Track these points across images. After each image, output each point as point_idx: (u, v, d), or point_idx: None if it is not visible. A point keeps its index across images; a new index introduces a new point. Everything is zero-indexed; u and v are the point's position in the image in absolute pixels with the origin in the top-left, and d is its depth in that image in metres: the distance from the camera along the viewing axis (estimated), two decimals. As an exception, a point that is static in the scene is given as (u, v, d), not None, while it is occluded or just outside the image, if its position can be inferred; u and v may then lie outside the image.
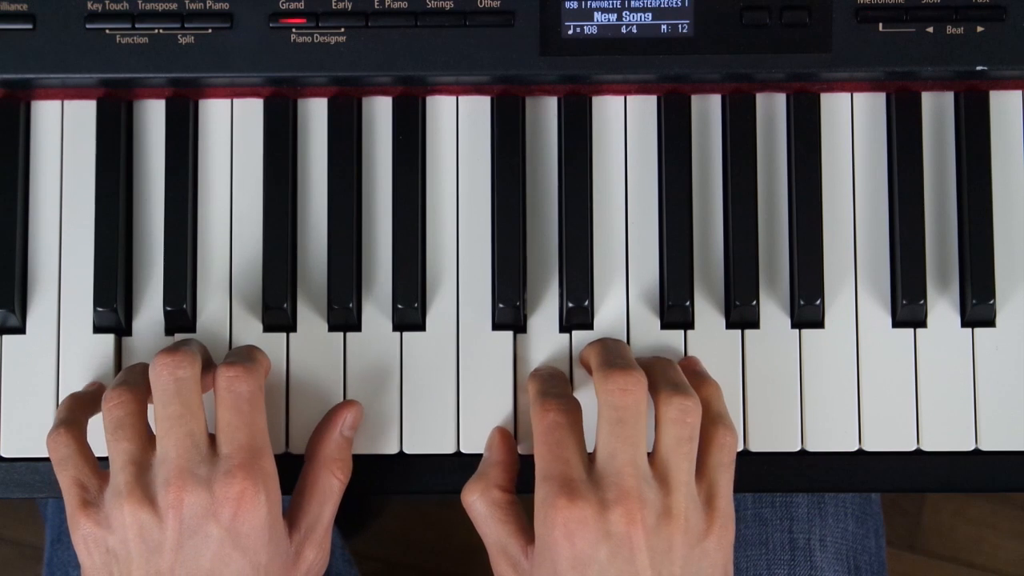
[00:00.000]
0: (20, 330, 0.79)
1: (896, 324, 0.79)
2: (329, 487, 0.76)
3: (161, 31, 0.77)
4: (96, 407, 0.76)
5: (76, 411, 0.76)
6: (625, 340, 0.79)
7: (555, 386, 0.76)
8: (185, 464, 0.71)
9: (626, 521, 0.69)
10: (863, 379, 0.79)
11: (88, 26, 0.77)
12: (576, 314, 0.79)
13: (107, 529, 0.72)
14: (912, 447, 0.79)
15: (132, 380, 0.74)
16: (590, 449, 0.73)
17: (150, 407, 0.74)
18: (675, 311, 0.79)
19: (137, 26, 0.77)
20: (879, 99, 0.81)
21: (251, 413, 0.73)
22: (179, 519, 0.70)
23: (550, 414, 0.73)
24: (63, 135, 0.80)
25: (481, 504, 0.75)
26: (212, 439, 0.73)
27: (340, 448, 0.77)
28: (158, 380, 0.72)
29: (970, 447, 0.79)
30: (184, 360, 0.72)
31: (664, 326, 0.80)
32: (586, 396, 0.77)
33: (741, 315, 0.79)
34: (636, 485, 0.70)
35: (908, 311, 0.79)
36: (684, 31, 0.78)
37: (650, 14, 0.78)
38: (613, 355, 0.74)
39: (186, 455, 0.71)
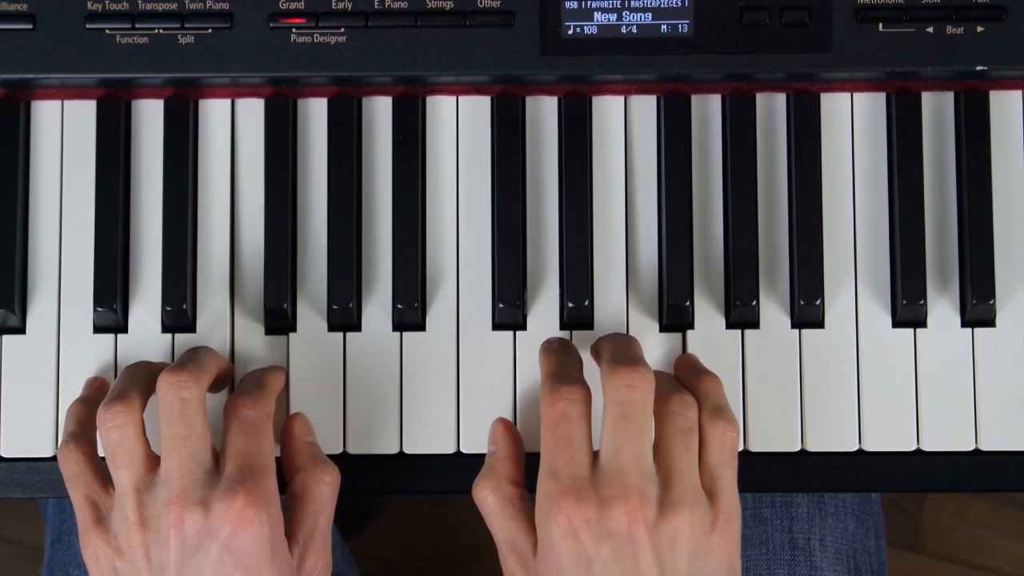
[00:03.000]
0: (20, 330, 0.79)
1: (896, 324, 0.79)
2: (320, 495, 0.76)
3: (161, 31, 0.77)
4: None
5: (85, 422, 0.76)
6: (625, 340, 0.79)
7: (568, 367, 0.74)
8: (187, 484, 0.71)
9: (628, 519, 0.69)
10: (863, 379, 0.79)
11: (88, 26, 0.77)
12: (576, 314, 0.79)
13: (116, 551, 0.72)
14: (912, 447, 0.79)
15: (126, 390, 0.74)
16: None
17: (149, 415, 0.74)
18: (675, 311, 0.79)
19: (137, 26, 0.77)
20: (879, 99, 0.81)
21: (256, 437, 0.73)
22: (181, 539, 0.70)
23: (560, 404, 0.72)
24: (63, 135, 0.80)
25: (493, 500, 0.74)
26: (217, 456, 0.73)
27: (313, 455, 0.77)
28: (164, 398, 0.72)
29: (970, 447, 0.79)
30: (190, 380, 0.72)
31: (664, 326, 0.80)
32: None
33: (741, 315, 0.79)
34: (639, 482, 0.70)
35: (908, 311, 0.79)
36: (684, 31, 0.78)
37: (650, 14, 0.78)
38: (622, 351, 0.74)
39: (189, 475, 0.71)
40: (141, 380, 0.75)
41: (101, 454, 0.75)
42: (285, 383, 0.79)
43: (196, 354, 0.76)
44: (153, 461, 0.73)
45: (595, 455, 0.72)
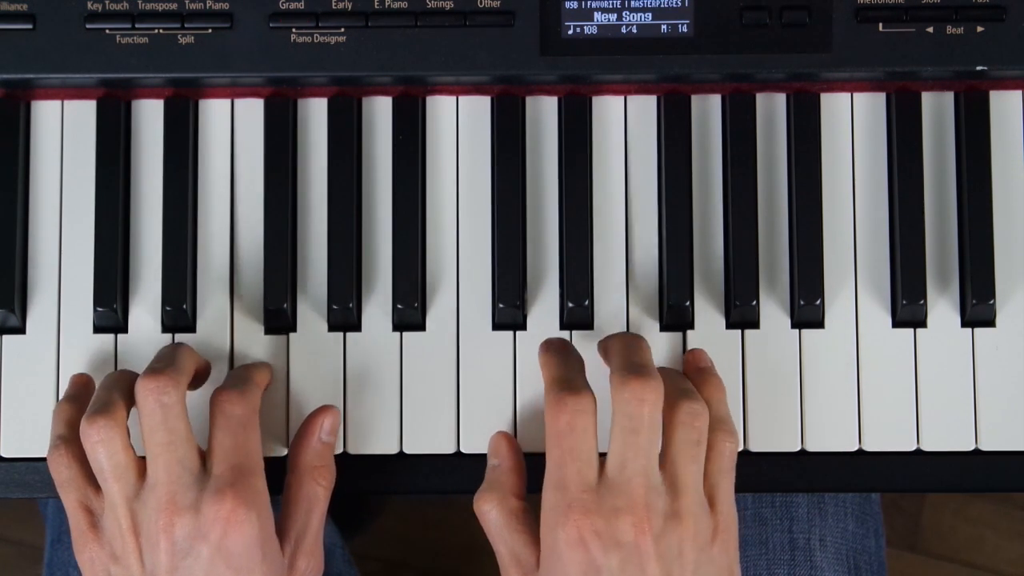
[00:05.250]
0: (20, 330, 0.79)
1: (896, 324, 0.79)
2: (313, 495, 0.76)
3: (161, 31, 0.77)
4: None
5: (73, 424, 0.75)
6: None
7: (571, 373, 0.74)
8: (175, 489, 0.71)
9: (635, 531, 0.69)
10: (863, 379, 0.79)
11: (88, 26, 0.77)
12: (576, 314, 0.79)
13: (111, 556, 0.73)
14: (912, 447, 0.79)
15: (108, 401, 0.73)
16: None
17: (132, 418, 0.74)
18: (675, 311, 0.79)
19: (137, 26, 0.77)
20: (879, 99, 0.81)
21: (244, 434, 0.73)
22: (171, 542, 0.70)
23: (565, 416, 0.71)
24: (63, 135, 0.80)
25: (498, 514, 0.74)
26: (203, 456, 0.73)
27: (320, 455, 0.77)
28: (143, 404, 0.72)
29: (970, 447, 0.79)
30: (168, 384, 0.72)
31: (664, 326, 0.80)
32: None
33: (741, 315, 0.79)
34: (645, 494, 0.70)
35: (908, 311, 0.79)
36: (684, 31, 0.78)
37: (650, 14, 0.78)
38: (632, 357, 0.74)
39: (177, 480, 0.71)
40: (121, 388, 0.74)
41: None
42: (285, 384, 0.79)
43: (172, 355, 0.75)
44: (141, 469, 0.72)
45: (602, 461, 0.72)
